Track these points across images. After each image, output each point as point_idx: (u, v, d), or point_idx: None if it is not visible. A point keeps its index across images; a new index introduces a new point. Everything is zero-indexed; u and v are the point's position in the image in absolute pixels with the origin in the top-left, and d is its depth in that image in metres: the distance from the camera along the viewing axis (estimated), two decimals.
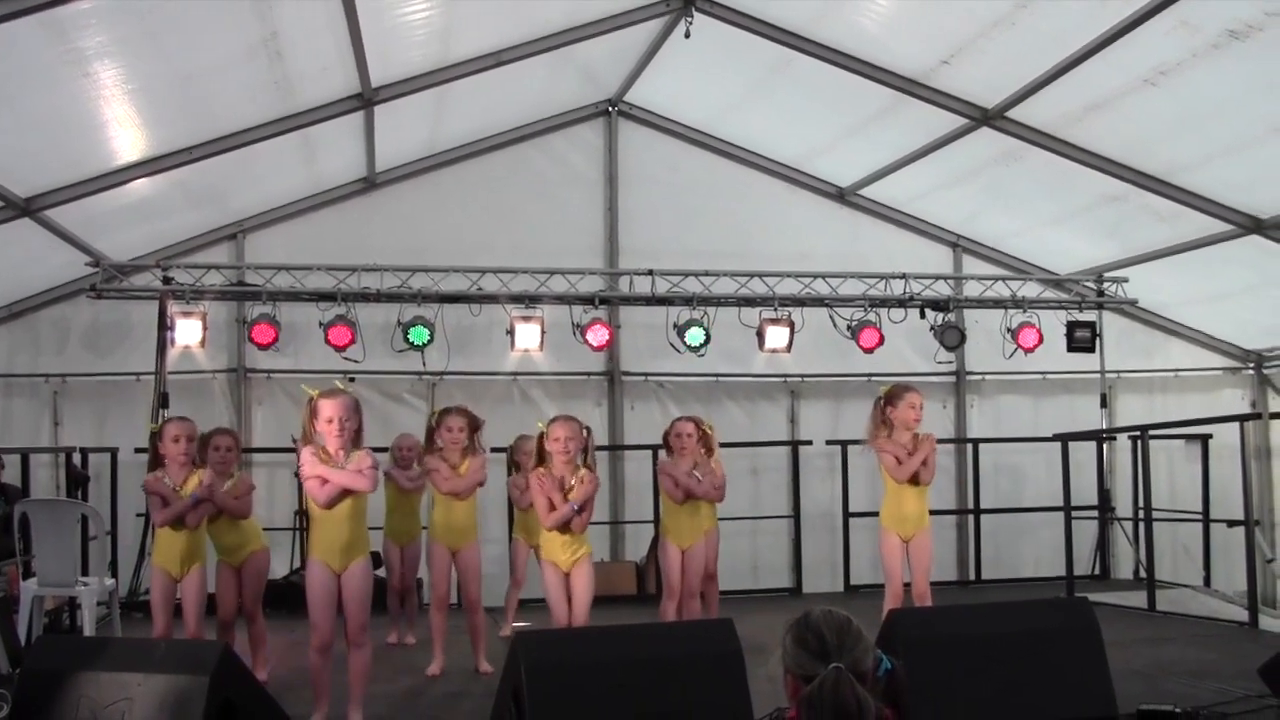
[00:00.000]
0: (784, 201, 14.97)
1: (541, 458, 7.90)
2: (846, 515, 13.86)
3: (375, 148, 12.82)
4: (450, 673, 8.94)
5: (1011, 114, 11.59)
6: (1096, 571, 14.85)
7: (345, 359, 12.39)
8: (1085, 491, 14.07)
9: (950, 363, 14.79)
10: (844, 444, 13.95)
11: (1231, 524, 11.79)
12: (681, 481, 9.07)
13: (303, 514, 12.57)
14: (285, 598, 11.52)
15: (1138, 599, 11.88)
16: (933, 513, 13.94)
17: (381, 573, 9.88)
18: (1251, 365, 15.86)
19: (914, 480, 8.66)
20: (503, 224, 14.12)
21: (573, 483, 7.82)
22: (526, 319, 12.86)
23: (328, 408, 6.94)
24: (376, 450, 7.39)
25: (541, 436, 7.89)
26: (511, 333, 12.89)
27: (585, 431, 7.90)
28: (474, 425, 9.05)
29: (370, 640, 7.26)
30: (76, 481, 12.11)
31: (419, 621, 10.69)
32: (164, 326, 12.27)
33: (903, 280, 13.59)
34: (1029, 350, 13.70)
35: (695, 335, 12.91)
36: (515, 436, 10.69)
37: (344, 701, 7.17)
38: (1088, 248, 14.16)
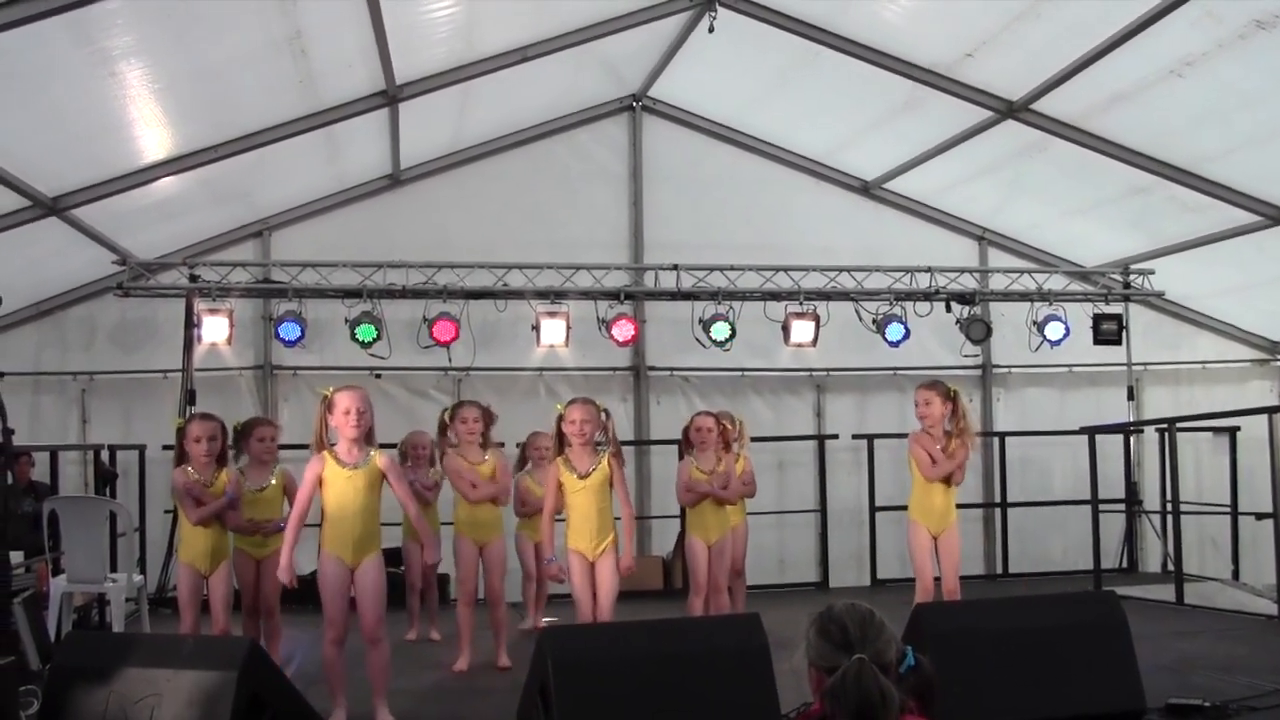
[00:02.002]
0: (809, 195, 14.94)
1: (561, 442, 7.90)
2: (873, 509, 13.86)
3: (400, 144, 12.85)
4: (476, 668, 8.97)
5: (1036, 106, 11.55)
6: (1124, 565, 14.83)
7: (371, 355, 12.43)
8: (1112, 484, 14.03)
9: (976, 356, 14.74)
10: (870, 438, 13.95)
11: (1260, 516, 11.71)
12: (698, 488, 8.92)
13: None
14: (311, 592, 11.54)
15: (1165, 592, 11.83)
16: (959, 506, 14.04)
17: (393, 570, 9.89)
18: (1279, 357, 15.77)
19: (946, 480, 8.64)
20: (528, 219, 14.13)
21: (592, 468, 7.83)
22: (552, 314, 12.85)
23: (344, 399, 7.04)
24: (384, 446, 7.45)
25: (559, 419, 7.89)
26: (537, 328, 12.88)
27: (604, 414, 7.89)
28: (488, 419, 9.08)
29: (387, 637, 7.28)
30: (105, 479, 12.19)
31: (442, 616, 10.74)
32: (190, 324, 12.34)
33: (928, 273, 13.55)
34: (1055, 343, 13.66)
35: (720, 330, 12.90)
36: (530, 432, 10.68)
37: (367, 699, 7.20)
38: (1114, 240, 14.10)
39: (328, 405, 7.07)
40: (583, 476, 7.82)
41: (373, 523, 7.16)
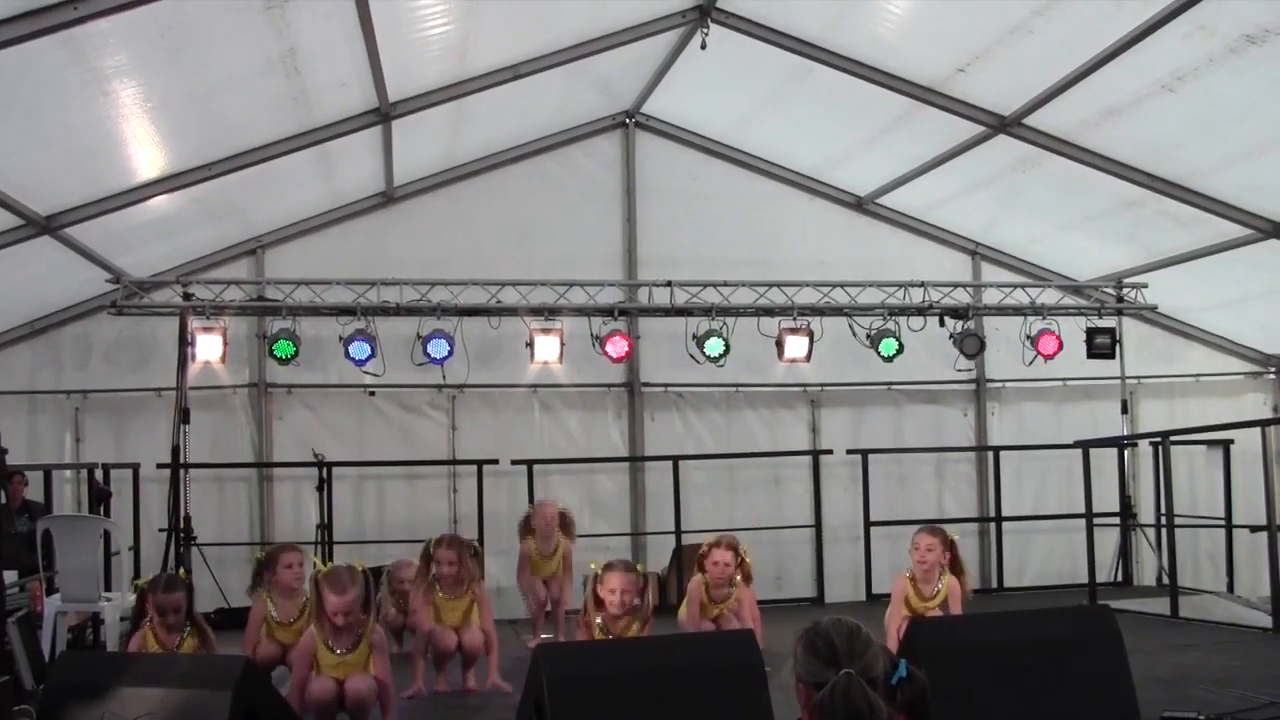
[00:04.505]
0: (802, 211, 14.96)
1: (598, 603, 7.67)
2: (868, 524, 13.85)
3: (393, 162, 12.84)
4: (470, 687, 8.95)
5: (1028, 121, 11.57)
6: (1119, 578, 14.83)
7: (366, 372, 12.44)
8: (1107, 498, 14.05)
9: (970, 370, 14.73)
10: (865, 453, 13.96)
11: (1254, 529, 11.73)
12: (701, 625, 9.07)
13: (324, 528, 12.60)
14: None
15: (1160, 605, 11.84)
16: (955, 520, 13.97)
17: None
18: (1273, 370, 15.76)
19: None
20: (521, 236, 14.14)
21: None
22: (546, 331, 12.85)
23: (332, 600, 6.79)
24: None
25: (595, 580, 7.71)
26: (531, 345, 12.86)
27: (643, 580, 7.69)
28: (471, 553, 8.81)
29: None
30: (99, 497, 12.18)
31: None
32: (184, 342, 12.31)
33: (922, 288, 13.57)
34: (1049, 357, 13.64)
35: (714, 345, 12.89)
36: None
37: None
38: (1107, 253, 14.12)
39: (319, 592, 6.80)
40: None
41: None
